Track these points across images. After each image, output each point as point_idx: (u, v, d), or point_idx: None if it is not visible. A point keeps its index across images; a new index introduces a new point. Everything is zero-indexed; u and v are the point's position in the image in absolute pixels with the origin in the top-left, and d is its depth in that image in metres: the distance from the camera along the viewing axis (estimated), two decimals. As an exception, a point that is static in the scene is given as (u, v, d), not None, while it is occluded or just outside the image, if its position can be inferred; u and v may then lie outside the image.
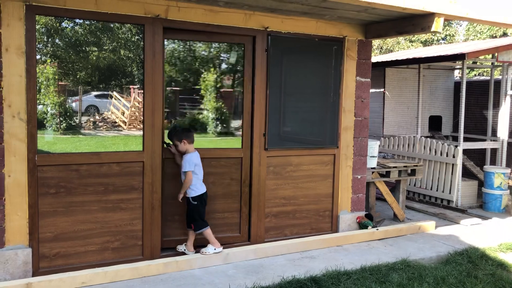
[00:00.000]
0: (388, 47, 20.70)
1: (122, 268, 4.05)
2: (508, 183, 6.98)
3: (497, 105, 7.89)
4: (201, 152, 4.58)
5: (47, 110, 16.86)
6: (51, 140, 14.79)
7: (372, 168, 5.92)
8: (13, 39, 3.82)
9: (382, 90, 8.36)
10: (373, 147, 5.90)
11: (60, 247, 4.10)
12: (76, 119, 19.33)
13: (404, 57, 8.34)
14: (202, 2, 4.42)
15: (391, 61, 8.26)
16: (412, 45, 20.72)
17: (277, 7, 4.56)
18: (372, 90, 7.65)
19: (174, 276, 4.15)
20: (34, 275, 3.95)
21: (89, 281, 3.91)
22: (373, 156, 5.92)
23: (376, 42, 19.39)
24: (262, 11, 4.76)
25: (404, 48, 20.38)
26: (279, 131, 5.18)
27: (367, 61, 5.56)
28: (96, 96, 23.53)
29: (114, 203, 4.30)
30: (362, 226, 5.51)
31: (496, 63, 7.75)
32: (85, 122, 20.01)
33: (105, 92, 23.52)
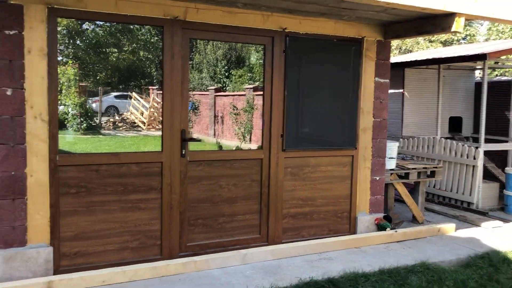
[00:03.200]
0: (407, 48, 20.48)
1: (141, 268, 4.09)
2: (531, 185, 6.84)
3: (519, 105, 7.74)
4: (223, 154, 4.59)
5: (68, 110, 17.20)
6: (71, 140, 15.08)
7: (390, 169, 5.87)
8: (36, 41, 3.90)
9: (401, 90, 8.27)
10: (392, 148, 5.84)
11: (80, 246, 4.16)
12: (96, 119, 19.65)
13: (424, 58, 8.24)
14: (221, 4, 4.45)
15: (410, 61, 8.17)
16: (431, 45, 20.47)
17: (295, 8, 4.56)
18: (391, 91, 7.57)
19: (193, 276, 4.18)
20: (55, 273, 4.02)
21: (109, 280, 3.96)
22: (392, 158, 5.86)
23: (395, 43, 19.20)
24: (280, 12, 4.76)
25: (423, 48, 20.14)
26: (296, 132, 5.17)
27: (386, 62, 5.51)
28: (116, 97, 23.90)
29: (133, 203, 4.35)
30: (380, 228, 5.46)
31: (518, 63, 7.59)
32: (105, 123, 20.34)
33: (125, 93, 23.86)
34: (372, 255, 4.88)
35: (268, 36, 4.82)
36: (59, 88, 4.08)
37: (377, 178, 5.55)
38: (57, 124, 4.06)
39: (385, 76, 5.52)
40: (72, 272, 4.00)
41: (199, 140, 5.16)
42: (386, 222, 5.48)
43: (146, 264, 4.17)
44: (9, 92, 3.84)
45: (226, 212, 4.79)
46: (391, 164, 5.85)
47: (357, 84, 5.33)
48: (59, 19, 4.02)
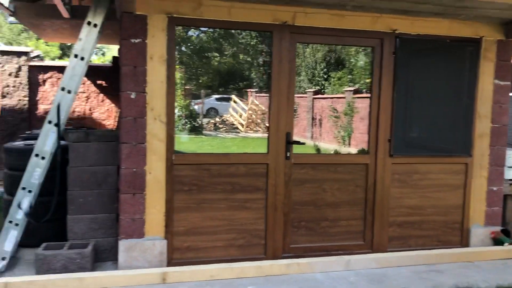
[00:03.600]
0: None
1: (247, 266, 4.22)
2: None
3: None
4: (327, 158, 4.58)
5: (175, 112, 18.31)
6: (181, 141, 15.99)
7: (510, 179, 5.39)
8: (157, 48, 4.20)
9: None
10: (512, 156, 5.37)
11: (191, 241, 4.40)
12: (199, 120, 20.66)
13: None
14: (330, 7, 4.43)
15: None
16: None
17: (408, 8, 4.39)
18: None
19: (296, 278, 4.21)
20: (168, 265, 4.30)
21: (217, 275, 4.14)
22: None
23: None
24: (390, 13, 4.61)
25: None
26: (405, 137, 4.97)
27: (507, 63, 5.08)
28: (217, 99, 24.89)
29: (240, 202, 4.50)
30: (497, 242, 5.04)
31: None
32: (206, 124, 21.30)
33: (225, 96, 24.76)
34: (488, 271, 4.52)
35: (377, 38, 4.70)
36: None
37: (495, 189, 5.13)
38: (174, 125, 4.34)
39: (506, 79, 5.09)
40: (183, 265, 4.25)
41: (303, 143, 5.17)
42: (504, 236, 5.05)
43: (252, 263, 4.28)
44: (133, 96, 4.18)
45: (329, 217, 4.75)
46: (510, 173, 5.38)
47: (474, 87, 4.98)
48: (176, 27, 4.28)
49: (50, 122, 4.27)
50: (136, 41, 4.15)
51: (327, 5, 4.38)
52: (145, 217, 4.28)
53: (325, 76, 19.12)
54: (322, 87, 18.90)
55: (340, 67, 18.87)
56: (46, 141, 4.26)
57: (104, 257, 4.46)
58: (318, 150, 13.29)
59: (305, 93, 17.35)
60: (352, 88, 14.13)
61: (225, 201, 4.46)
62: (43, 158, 4.26)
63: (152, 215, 4.29)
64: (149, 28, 4.17)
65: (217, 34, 24.20)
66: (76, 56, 4.29)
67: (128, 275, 3.95)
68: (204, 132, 19.12)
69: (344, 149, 12.91)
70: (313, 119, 15.93)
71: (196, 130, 18.70)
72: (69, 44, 29.42)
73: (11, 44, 27.63)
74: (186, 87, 19.97)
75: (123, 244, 4.22)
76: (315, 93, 16.76)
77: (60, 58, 27.11)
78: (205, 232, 4.44)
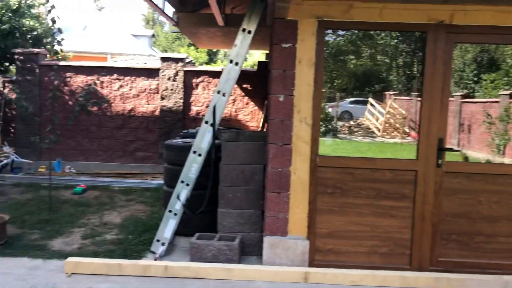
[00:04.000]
0: None
1: (391, 275, 4.08)
2: None
3: None
4: (485, 167, 4.20)
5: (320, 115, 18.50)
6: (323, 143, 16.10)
7: None
8: (305, 52, 4.29)
9: None
10: None
11: (332, 244, 4.41)
12: (334, 123, 20.54)
13: None
14: (494, 3, 4.07)
15: None
16: None
17: None
18: None
19: (445, 294, 3.94)
20: (309, 265, 4.36)
21: (359, 281, 4.08)
22: None
23: None
24: None
25: None
26: None
27: None
28: (351, 102, 24.49)
29: (384, 209, 4.37)
30: None
31: None
32: (340, 127, 21.08)
33: (359, 98, 24.23)
34: None
35: (550, 35, 4.17)
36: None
37: None
38: (319, 127, 4.39)
39: None
40: (324, 267, 4.27)
41: (457, 150, 4.80)
42: None
43: (396, 272, 4.13)
44: (281, 98, 4.33)
45: (485, 231, 4.35)
46: None
47: None
48: (325, 31, 4.33)
49: (206, 122, 4.65)
50: (286, 45, 4.29)
51: (491, 1, 4.02)
52: (289, 216, 4.40)
53: (475, 79, 17.51)
54: (471, 91, 17.35)
55: (494, 68, 17.11)
56: (203, 139, 4.65)
57: (249, 251, 4.71)
58: (466, 158, 12.22)
59: (452, 96, 16.14)
60: (508, 92, 12.71)
61: (369, 206, 4.37)
62: (199, 155, 4.65)
63: (295, 214, 4.40)
64: (299, 32, 4.27)
65: (355, 37, 23.82)
66: (231, 61, 4.60)
67: (272, 271, 4.11)
68: (338, 135, 18.96)
69: (498, 159, 11.67)
70: (460, 124, 14.72)
71: (330, 133, 18.63)
72: (214, 50, 31.70)
73: (166, 51, 30.72)
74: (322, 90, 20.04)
75: (267, 241, 4.40)
76: (464, 96, 15.46)
77: (207, 63, 29.31)
78: (347, 236, 4.40)
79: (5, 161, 8.94)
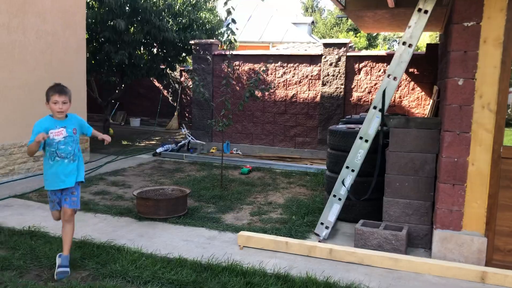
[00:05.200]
0: None
1: None
2: None
3: None
4: None
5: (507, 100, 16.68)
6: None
7: None
8: (492, 30, 3.87)
9: None
10: None
11: (516, 244, 3.95)
12: (510, 111, 18.27)
13: None
14: None
15: None
16: None
17: None
18: None
19: None
20: (486, 264, 3.99)
21: (549, 289, 3.59)
22: None
23: None
24: None
25: None
26: None
27: None
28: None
29: None
30: None
31: None
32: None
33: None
34: None
35: None
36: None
37: None
38: (505, 114, 3.93)
39: None
40: (504, 268, 3.85)
41: None
42: None
43: None
44: (460, 82, 3.99)
45: None
46: None
47: None
48: (518, 5, 3.83)
49: (375, 107, 4.54)
50: (469, 24, 3.92)
51: None
52: (464, 210, 4.07)
53: None
54: None
55: None
56: (370, 125, 4.55)
57: (415, 243, 4.50)
58: None
59: None
60: None
61: None
62: (366, 140, 4.57)
63: (471, 209, 4.05)
64: (485, 9, 3.87)
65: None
66: (404, 43, 4.39)
67: (443, 266, 3.85)
68: (517, 125, 16.73)
69: None
70: None
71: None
72: (374, 34, 30.67)
73: (324, 37, 30.81)
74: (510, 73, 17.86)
75: (438, 234, 4.14)
76: None
77: (366, 48, 28.58)
78: (535, 237, 3.89)
79: (182, 142, 10.06)
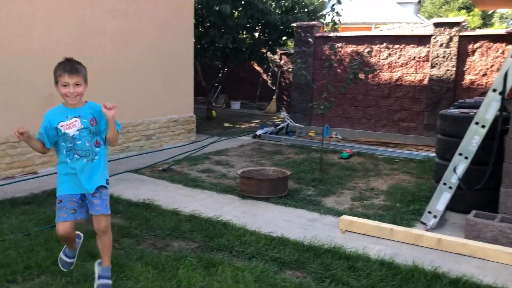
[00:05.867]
0: None
1: None
2: None
3: None
4: None
5: None
6: None
7: None
8: None
9: None
10: None
11: None
12: None
13: None
14: None
15: None
16: None
17: None
18: None
19: None
20: None
21: None
22: None
23: None
24: None
25: None
26: None
27: None
28: None
29: None
30: None
31: None
32: None
33: None
34: None
35: None
36: None
37: None
38: None
39: None
40: None
41: None
42: None
43: None
44: None
45: None
46: None
47: None
48: None
49: (494, 90, 4.18)
50: None
51: None
52: None
53: None
54: None
55: None
56: (488, 109, 4.21)
57: (537, 239, 4.10)
58: None
59: None
60: None
61: None
62: (483, 126, 4.24)
63: None
64: None
65: None
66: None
67: None
68: None
69: None
70: None
71: None
72: (489, 12, 28.10)
73: (431, 17, 28.91)
74: None
75: None
76: None
77: (480, 28, 26.32)
78: None
79: (281, 125, 10.16)
